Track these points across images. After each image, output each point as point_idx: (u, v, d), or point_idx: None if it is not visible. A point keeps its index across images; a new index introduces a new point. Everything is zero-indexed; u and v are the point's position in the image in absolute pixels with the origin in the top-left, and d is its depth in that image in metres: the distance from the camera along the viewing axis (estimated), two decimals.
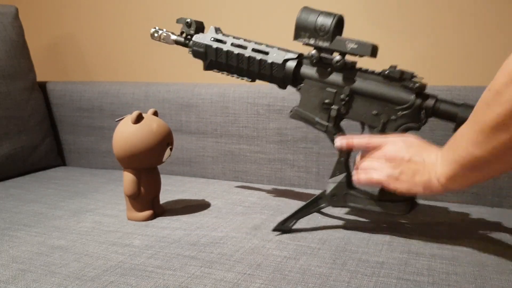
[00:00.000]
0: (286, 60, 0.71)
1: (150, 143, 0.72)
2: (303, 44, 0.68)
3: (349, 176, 0.68)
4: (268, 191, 0.92)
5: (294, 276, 0.55)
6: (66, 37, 1.35)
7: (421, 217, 0.76)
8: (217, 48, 0.76)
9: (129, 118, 0.73)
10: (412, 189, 0.58)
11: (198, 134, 1.04)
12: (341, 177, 0.68)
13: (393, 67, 0.65)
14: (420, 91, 0.64)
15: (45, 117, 1.17)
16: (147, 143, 0.72)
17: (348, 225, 0.72)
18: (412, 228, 0.71)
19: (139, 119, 0.72)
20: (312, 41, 0.67)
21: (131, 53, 1.27)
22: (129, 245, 0.65)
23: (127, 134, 0.72)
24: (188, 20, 0.79)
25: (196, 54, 0.79)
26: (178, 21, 0.80)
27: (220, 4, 1.15)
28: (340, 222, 0.73)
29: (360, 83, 0.67)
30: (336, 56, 0.67)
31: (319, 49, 0.68)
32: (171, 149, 0.76)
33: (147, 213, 0.75)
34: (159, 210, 0.78)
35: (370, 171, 0.62)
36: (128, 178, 0.73)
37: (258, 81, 0.75)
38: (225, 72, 0.78)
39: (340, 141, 0.66)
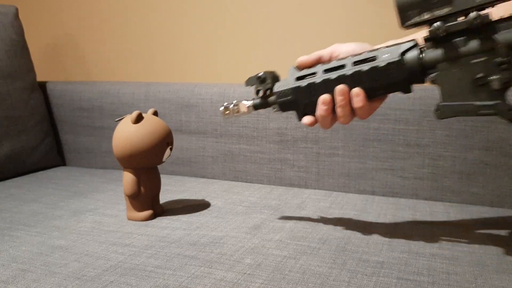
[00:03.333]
0: (403, 53, 0.57)
1: (150, 143, 0.72)
2: (414, 25, 0.56)
3: None
4: (268, 191, 0.92)
5: (294, 276, 0.55)
6: (66, 37, 1.35)
7: (421, 217, 0.76)
8: (309, 85, 0.62)
9: (129, 118, 0.73)
10: None
11: (198, 134, 1.05)
12: None
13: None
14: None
15: (45, 117, 1.17)
16: (147, 143, 0.72)
17: (348, 225, 0.72)
18: (412, 228, 0.71)
19: (139, 119, 0.72)
20: (428, 15, 0.54)
21: (131, 53, 1.27)
22: (129, 245, 0.65)
23: (127, 134, 0.72)
24: (260, 74, 0.65)
25: (285, 107, 0.64)
26: (247, 83, 0.66)
27: (222, 5, 1.15)
28: (340, 222, 0.73)
29: None
30: (470, 14, 0.52)
31: (440, 19, 0.54)
32: (171, 149, 0.76)
33: (147, 213, 0.75)
34: (159, 210, 0.78)
35: None
36: (128, 178, 0.74)
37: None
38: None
39: None
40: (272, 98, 0.65)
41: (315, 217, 0.76)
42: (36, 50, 1.36)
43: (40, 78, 1.23)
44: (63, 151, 1.21)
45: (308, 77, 0.62)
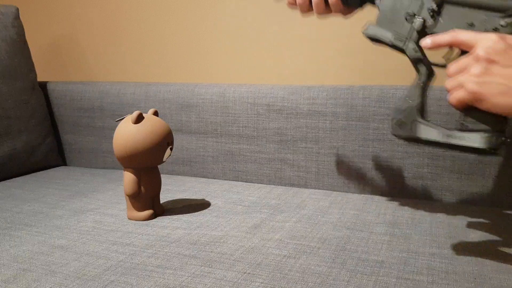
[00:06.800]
0: None
1: (150, 143, 0.72)
2: None
3: (423, 104, 0.58)
4: (268, 191, 0.92)
5: (294, 275, 0.55)
6: (66, 37, 1.35)
7: (421, 217, 0.76)
8: None
9: (130, 118, 0.73)
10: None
11: (198, 134, 1.05)
12: (414, 102, 0.58)
13: None
14: None
15: (46, 117, 1.17)
16: (147, 143, 0.72)
17: (348, 225, 0.72)
18: (411, 227, 0.71)
19: (139, 119, 0.72)
20: None
21: (131, 53, 1.28)
22: (129, 244, 0.65)
23: (128, 134, 0.72)
24: None
25: None
26: None
27: (222, 5, 1.15)
28: (339, 222, 0.73)
29: None
30: None
31: None
32: (171, 149, 0.76)
33: (147, 212, 0.75)
34: (159, 210, 0.78)
35: (455, 91, 0.52)
36: (128, 177, 0.74)
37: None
38: None
39: (425, 40, 0.56)
40: None
41: (314, 216, 0.76)
42: (36, 50, 1.36)
43: (40, 78, 1.23)
44: (64, 151, 1.21)
45: None
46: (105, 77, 1.32)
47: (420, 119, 0.57)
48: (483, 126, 0.53)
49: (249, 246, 0.64)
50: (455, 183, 0.85)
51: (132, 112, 0.73)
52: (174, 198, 0.87)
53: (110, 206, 0.82)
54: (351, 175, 0.92)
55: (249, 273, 0.56)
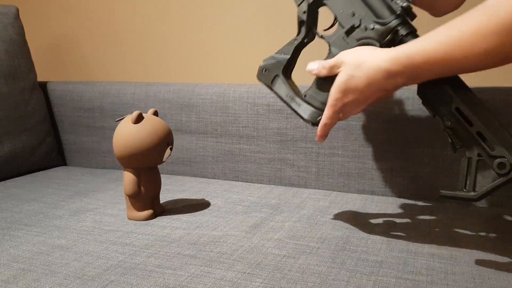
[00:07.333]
0: None
1: (150, 143, 0.72)
2: None
3: (290, 62, 0.66)
4: (268, 191, 0.92)
5: (294, 275, 0.55)
6: (66, 37, 1.36)
7: (420, 217, 0.76)
8: None
9: (130, 118, 0.73)
10: (359, 85, 0.57)
11: (198, 134, 1.05)
12: (283, 57, 0.66)
13: None
14: (403, 14, 0.60)
15: (46, 117, 1.17)
16: (147, 143, 0.72)
17: (347, 224, 0.72)
18: (411, 227, 0.71)
19: (139, 119, 0.73)
20: None
21: (131, 53, 1.28)
22: (129, 244, 0.65)
23: (127, 134, 0.72)
24: None
25: None
26: None
27: (222, 5, 1.15)
28: (339, 222, 0.73)
29: None
30: None
31: None
32: (171, 149, 0.76)
33: (147, 212, 0.75)
34: (159, 210, 0.78)
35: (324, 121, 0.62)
36: (128, 177, 0.74)
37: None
38: None
39: (311, 66, 0.64)
40: None
41: (314, 216, 0.76)
42: (36, 50, 1.36)
43: (40, 78, 1.23)
44: (64, 151, 1.21)
45: None
46: (105, 77, 1.32)
47: (281, 74, 0.66)
48: (316, 103, 0.64)
49: (249, 246, 0.64)
50: (454, 183, 0.85)
51: (132, 112, 0.73)
52: (174, 198, 0.87)
53: (110, 206, 0.82)
54: (351, 175, 0.92)
55: (248, 273, 0.56)
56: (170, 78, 1.24)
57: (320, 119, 0.63)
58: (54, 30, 1.37)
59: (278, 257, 0.60)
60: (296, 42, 0.66)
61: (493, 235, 0.68)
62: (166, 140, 0.74)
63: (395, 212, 0.78)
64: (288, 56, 0.66)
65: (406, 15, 0.61)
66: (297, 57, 0.68)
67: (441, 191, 0.58)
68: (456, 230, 0.70)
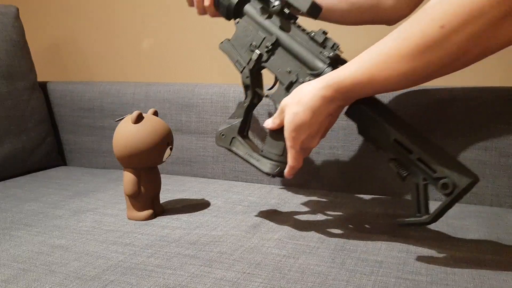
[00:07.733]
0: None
1: (150, 143, 0.72)
2: None
3: (244, 124, 0.71)
4: (268, 191, 0.92)
5: (293, 275, 0.55)
6: (67, 37, 1.36)
7: None
8: None
9: (129, 118, 0.73)
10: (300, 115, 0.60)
11: (198, 134, 1.05)
12: (237, 121, 0.70)
13: (322, 31, 0.65)
14: (333, 63, 0.63)
15: (46, 117, 1.17)
16: (147, 143, 0.72)
17: (347, 224, 0.72)
18: (411, 227, 0.71)
19: (139, 119, 0.73)
20: None
21: (131, 53, 1.28)
22: (129, 244, 0.65)
23: (127, 134, 0.72)
24: None
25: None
26: None
27: None
28: (339, 221, 0.73)
29: (286, 37, 0.67)
30: (276, 1, 0.67)
31: None
32: (171, 149, 0.76)
33: (147, 212, 0.75)
34: (159, 210, 0.78)
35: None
36: (128, 177, 0.74)
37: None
38: None
39: (266, 123, 0.68)
40: None
41: (314, 216, 0.76)
42: (36, 50, 1.36)
43: (40, 78, 1.23)
44: (64, 151, 1.21)
45: None
46: (105, 77, 1.33)
47: (237, 136, 0.70)
48: (272, 156, 0.68)
49: (249, 246, 0.64)
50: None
51: (132, 112, 0.73)
52: (174, 198, 0.87)
53: (110, 206, 0.82)
54: (351, 175, 0.92)
55: (248, 273, 0.56)
56: (170, 78, 1.24)
57: (278, 170, 0.67)
58: (54, 30, 1.37)
59: (278, 257, 0.60)
60: (245, 105, 0.71)
61: (494, 235, 0.68)
62: (166, 140, 0.74)
63: (395, 212, 0.78)
64: (241, 119, 0.71)
65: (336, 63, 0.64)
66: (250, 118, 0.72)
67: (397, 219, 0.60)
68: (456, 229, 0.70)
